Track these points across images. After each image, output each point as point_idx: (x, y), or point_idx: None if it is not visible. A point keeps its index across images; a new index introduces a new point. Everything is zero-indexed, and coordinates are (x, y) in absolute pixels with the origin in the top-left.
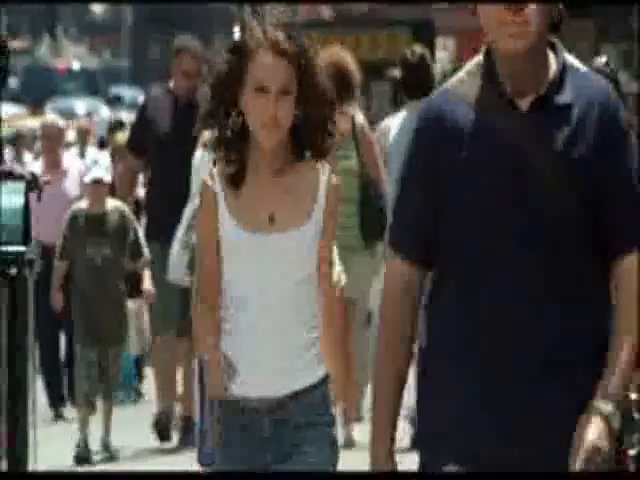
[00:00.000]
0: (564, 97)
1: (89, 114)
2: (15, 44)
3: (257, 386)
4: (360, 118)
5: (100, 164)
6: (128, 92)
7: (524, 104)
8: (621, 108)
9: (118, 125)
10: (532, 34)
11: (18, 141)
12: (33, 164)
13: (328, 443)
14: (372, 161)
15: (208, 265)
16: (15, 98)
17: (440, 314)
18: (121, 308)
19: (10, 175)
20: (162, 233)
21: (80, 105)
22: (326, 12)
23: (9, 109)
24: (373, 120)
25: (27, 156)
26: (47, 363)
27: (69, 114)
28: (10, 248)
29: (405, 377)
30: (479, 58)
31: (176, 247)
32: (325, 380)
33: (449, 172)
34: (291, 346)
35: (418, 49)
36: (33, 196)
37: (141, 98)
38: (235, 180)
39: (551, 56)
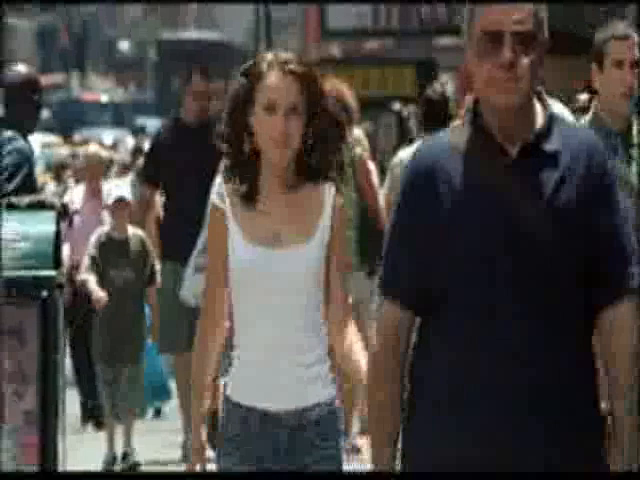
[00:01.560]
0: (552, 145)
1: (115, 144)
2: (48, 79)
3: (266, 399)
4: (358, 149)
5: (122, 186)
6: (152, 123)
7: (513, 151)
8: (607, 157)
9: (139, 151)
10: (523, 90)
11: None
12: (74, 190)
13: (335, 463)
14: (369, 189)
15: (215, 282)
16: (47, 128)
17: (429, 361)
18: (140, 328)
19: (42, 204)
20: (176, 255)
21: (107, 135)
22: (335, 50)
23: (42, 138)
24: (380, 150)
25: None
26: (83, 380)
27: (97, 143)
28: (42, 273)
29: (398, 406)
30: (467, 110)
31: (190, 269)
32: (333, 400)
33: (439, 219)
34: (300, 362)
35: (439, 86)
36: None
37: None
38: (248, 197)
39: (537, 105)
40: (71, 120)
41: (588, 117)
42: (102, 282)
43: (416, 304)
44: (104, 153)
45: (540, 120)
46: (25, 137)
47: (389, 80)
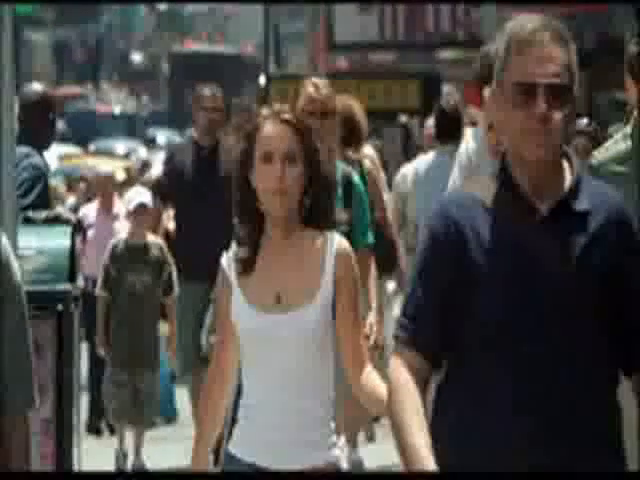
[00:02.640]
0: (582, 204)
1: (127, 154)
2: (68, 90)
3: (266, 459)
4: (367, 163)
5: (142, 193)
6: (165, 134)
7: (543, 208)
8: (635, 220)
9: (147, 165)
10: (555, 144)
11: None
12: (88, 207)
13: None
14: (377, 201)
15: (224, 333)
16: (62, 139)
17: (447, 416)
18: (156, 334)
19: (57, 219)
20: (188, 273)
21: (120, 146)
22: (343, 64)
23: (60, 149)
24: (385, 162)
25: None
26: (96, 384)
27: (110, 154)
28: (57, 286)
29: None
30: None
31: (208, 320)
32: (335, 465)
33: (465, 274)
34: (306, 421)
35: (452, 99)
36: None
37: (177, 139)
38: (246, 265)
39: (565, 164)
40: (86, 131)
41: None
42: (119, 288)
43: (434, 353)
44: (114, 169)
45: (569, 178)
46: (41, 153)
47: (395, 93)
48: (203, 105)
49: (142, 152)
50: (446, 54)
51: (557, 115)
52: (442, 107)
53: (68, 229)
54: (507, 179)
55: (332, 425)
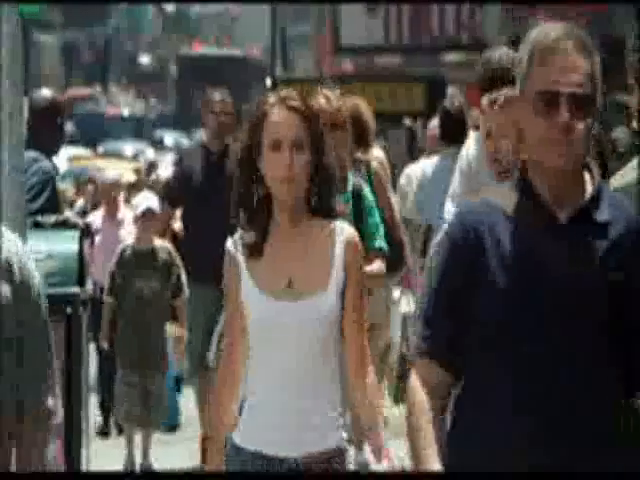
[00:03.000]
0: (602, 214)
1: (135, 155)
2: (80, 92)
3: (272, 445)
4: (374, 164)
5: (150, 197)
6: (172, 136)
7: (563, 217)
8: None
9: (153, 166)
10: (577, 154)
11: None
12: (95, 214)
13: None
14: (384, 203)
15: (232, 332)
16: (70, 140)
17: (467, 423)
18: (164, 338)
19: (65, 224)
20: (198, 274)
21: (128, 147)
22: (349, 67)
23: (70, 151)
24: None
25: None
26: (104, 386)
27: (118, 155)
28: (66, 289)
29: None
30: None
31: (216, 334)
32: (342, 445)
33: (485, 281)
34: (312, 409)
35: (457, 100)
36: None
37: (184, 141)
38: (254, 249)
39: (586, 174)
40: (94, 133)
41: None
42: (125, 293)
43: (453, 362)
44: (124, 171)
45: (589, 188)
46: (49, 158)
47: (400, 96)
48: (212, 109)
49: (150, 154)
50: (450, 57)
51: (580, 125)
52: (446, 108)
53: (76, 233)
54: (527, 187)
55: (339, 409)
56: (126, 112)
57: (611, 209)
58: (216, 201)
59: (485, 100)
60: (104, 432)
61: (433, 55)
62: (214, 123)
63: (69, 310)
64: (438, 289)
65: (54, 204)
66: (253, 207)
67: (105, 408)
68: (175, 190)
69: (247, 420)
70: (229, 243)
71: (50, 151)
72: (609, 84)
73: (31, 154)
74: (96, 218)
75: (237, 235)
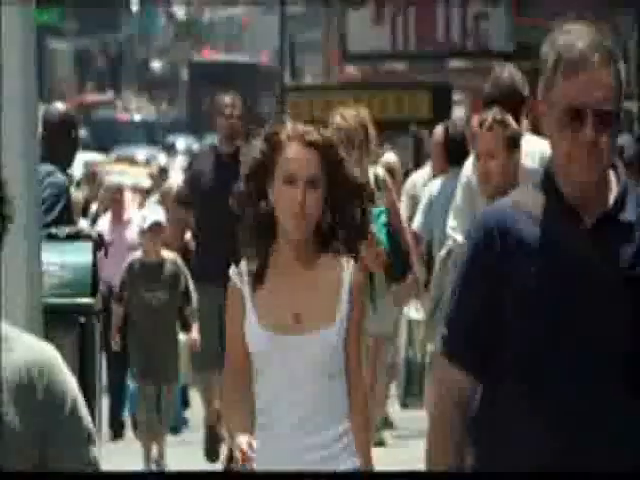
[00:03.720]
0: (628, 215)
1: (147, 160)
2: (98, 97)
3: (289, 463)
4: (380, 172)
5: (157, 211)
6: (184, 140)
7: (589, 219)
8: None
9: (165, 171)
10: (603, 167)
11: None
12: (102, 219)
13: None
14: (392, 209)
15: (234, 361)
16: (85, 146)
17: (498, 424)
18: (175, 347)
19: (79, 235)
20: (209, 275)
21: (140, 152)
22: (356, 73)
23: (86, 156)
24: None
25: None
26: (115, 391)
27: (131, 160)
28: (80, 300)
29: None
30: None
31: None
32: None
33: (510, 283)
34: (322, 440)
35: (460, 124)
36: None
37: (195, 146)
38: (258, 276)
39: (612, 174)
40: (107, 138)
41: None
42: (134, 304)
43: (478, 369)
44: (120, 181)
45: (614, 189)
46: (63, 171)
47: (406, 103)
48: (223, 112)
49: (161, 158)
50: (456, 63)
51: (604, 138)
52: (450, 134)
53: (89, 245)
54: (553, 188)
55: (350, 436)
56: (138, 117)
57: (637, 208)
58: (226, 202)
59: (475, 121)
60: (115, 434)
61: (439, 62)
62: (224, 125)
63: (82, 319)
64: (462, 292)
65: (68, 216)
66: (257, 232)
67: (115, 412)
68: (185, 192)
69: (259, 452)
70: (233, 272)
71: (64, 164)
72: None
73: (45, 167)
74: (103, 223)
75: (241, 264)
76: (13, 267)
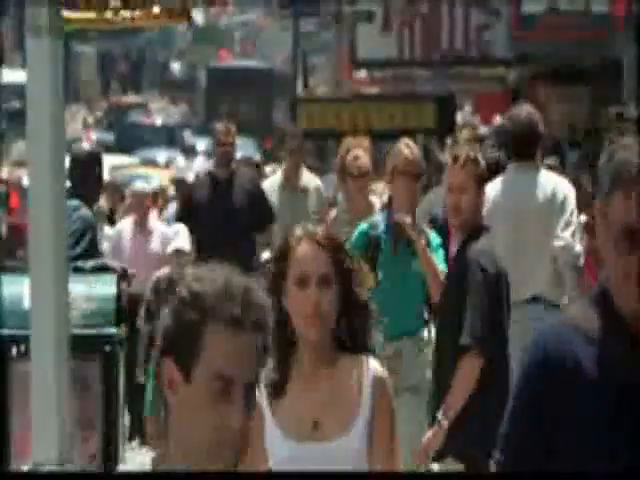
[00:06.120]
0: None
1: (168, 163)
2: (129, 100)
3: None
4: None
5: (181, 235)
6: (203, 142)
7: None
8: None
9: (182, 181)
10: None
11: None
12: (123, 222)
13: None
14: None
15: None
16: (109, 149)
17: None
18: None
19: (104, 268)
20: None
21: (161, 155)
22: (366, 79)
23: (111, 160)
24: None
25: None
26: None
27: (152, 163)
28: (105, 330)
29: None
30: (595, 293)
31: None
32: None
33: (565, 407)
34: None
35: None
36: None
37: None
38: (278, 390)
39: None
40: (129, 141)
41: None
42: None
43: None
44: (147, 187)
45: None
46: (89, 206)
47: (412, 114)
48: (217, 138)
49: (180, 161)
50: (460, 70)
51: None
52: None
53: (114, 277)
54: (608, 306)
55: None
56: (159, 120)
57: None
58: (226, 227)
59: (448, 156)
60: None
61: (443, 69)
62: (219, 152)
63: (107, 348)
64: (516, 416)
65: (94, 250)
66: (276, 343)
67: (133, 424)
68: (184, 215)
69: None
70: None
71: (90, 199)
72: (609, 98)
73: (72, 202)
74: (125, 227)
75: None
76: (41, 299)
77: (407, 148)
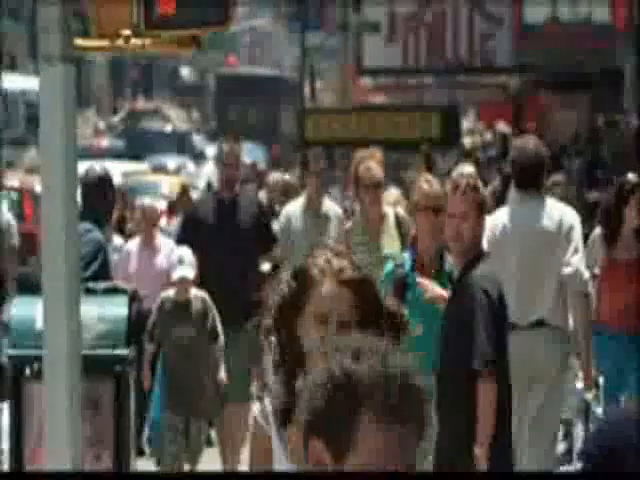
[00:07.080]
0: None
1: (178, 169)
2: (145, 105)
3: None
4: (400, 211)
5: (186, 261)
6: (213, 147)
7: None
8: None
9: (186, 191)
10: None
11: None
12: (131, 242)
13: None
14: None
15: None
16: (120, 155)
17: None
18: (205, 382)
19: (115, 289)
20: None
21: (171, 161)
22: (371, 86)
23: (122, 166)
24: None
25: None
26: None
27: (162, 169)
28: (116, 351)
29: None
30: None
31: None
32: None
33: None
34: None
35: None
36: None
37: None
38: (286, 417)
39: None
40: (140, 147)
41: None
42: (165, 341)
43: None
44: (157, 204)
45: None
46: (101, 228)
47: (417, 125)
48: (222, 160)
49: (190, 167)
50: (466, 78)
51: None
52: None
53: (125, 298)
54: None
55: None
56: (169, 126)
57: None
58: (230, 247)
59: (449, 184)
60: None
61: (448, 77)
62: (223, 174)
63: (118, 368)
64: None
65: (105, 271)
66: (285, 371)
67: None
68: (186, 236)
69: None
70: (257, 411)
71: (101, 222)
72: (608, 106)
73: (84, 225)
74: (132, 246)
75: (265, 402)
76: (54, 320)
77: (426, 183)
